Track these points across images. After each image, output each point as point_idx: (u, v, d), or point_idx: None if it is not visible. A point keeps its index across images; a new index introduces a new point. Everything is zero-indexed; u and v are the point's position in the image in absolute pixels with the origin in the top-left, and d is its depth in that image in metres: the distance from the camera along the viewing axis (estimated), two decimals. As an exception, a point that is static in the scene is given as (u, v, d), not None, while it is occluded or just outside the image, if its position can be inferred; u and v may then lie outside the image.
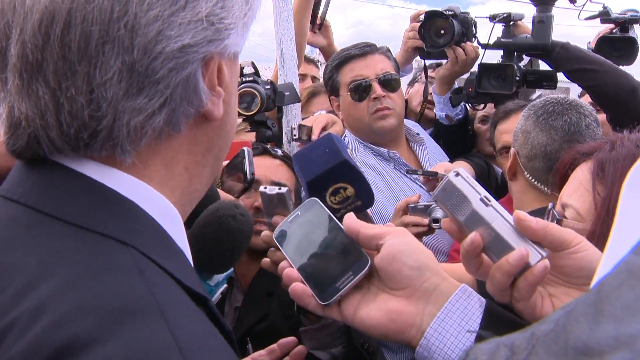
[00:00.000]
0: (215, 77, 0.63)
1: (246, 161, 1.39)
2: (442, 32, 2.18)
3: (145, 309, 0.50)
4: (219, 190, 1.31)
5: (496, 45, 2.14)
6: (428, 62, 2.53)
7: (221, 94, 0.64)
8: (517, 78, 2.09)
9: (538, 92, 2.49)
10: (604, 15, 2.31)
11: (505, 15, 2.14)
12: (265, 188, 1.08)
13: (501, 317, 0.70)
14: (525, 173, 1.67)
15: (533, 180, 1.66)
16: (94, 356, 0.46)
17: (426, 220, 1.70)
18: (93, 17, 0.54)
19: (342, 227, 0.77)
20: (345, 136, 2.15)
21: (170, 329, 0.50)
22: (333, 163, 1.00)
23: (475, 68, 2.23)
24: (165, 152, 0.62)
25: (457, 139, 2.40)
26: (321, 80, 2.71)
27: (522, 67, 2.18)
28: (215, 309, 0.62)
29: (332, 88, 2.16)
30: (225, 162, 1.45)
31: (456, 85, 2.39)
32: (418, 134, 2.22)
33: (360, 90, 2.05)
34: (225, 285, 1.12)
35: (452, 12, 2.17)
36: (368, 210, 1.12)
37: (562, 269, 0.72)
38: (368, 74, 2.05)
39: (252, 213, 1.39)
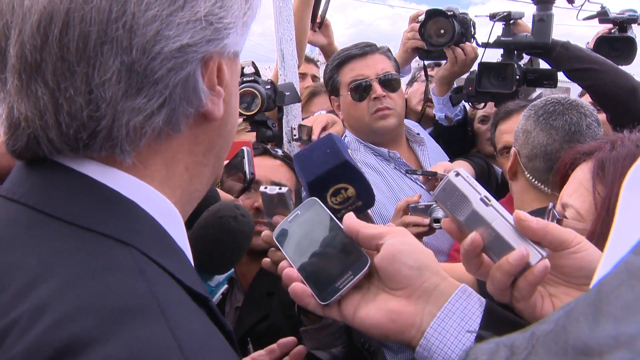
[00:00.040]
0: (215, 77, 0.63)
1: (245, 161, 1.39)
2: (442, 32, 2.18)
3: (146, 308, 0.51)
4: (218, 190, 1.31)
5: (496, 44, 2.14)
6: (427, 63, 2.52)
7: (221, 93, 0.64)
8: (518, 77, 2.09)
9: (538, 90, 2.49)
10: (602, 15, 2.32)
11: (505, 13, 2.14)
12: (266, 188, 1.08)
13: (501, 317, 0.70)
14: (526, 173, 1.67)
15: (533, 180, 1.66)
16: (94, 356, 0.46)
17: (427, 220, 1.70)
18: (91, 17, 0.54)
19: (342, 226, 0.77)
20: (346, 136, 2.15)
21: (171, 328, 0.50)
22: (334, 163, 1.00)
23: (475, 67, 2.23)
24: (166, 152, 0.62)
25: (457, 140, 2.40)
26: (321, 79, 2.71)
27: (522, 65, 2.18)
28: (216, 309, 0.62)
29: (332, 88, 2.16)
30: (225, 162, 1.45)
31: (455, 85, 2.39)
32: (418, 133, 2.22)
33: (361, 90, 2.05)
34: (226, 286, 1.12)
35: (452, 13, 2.17)
36: (368, 210, 1.12)
37: (562, 268, 0.72)
38: (368, 74, 2.05)
39: (252, 214, 1.39)
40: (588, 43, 2.44)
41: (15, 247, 0.55)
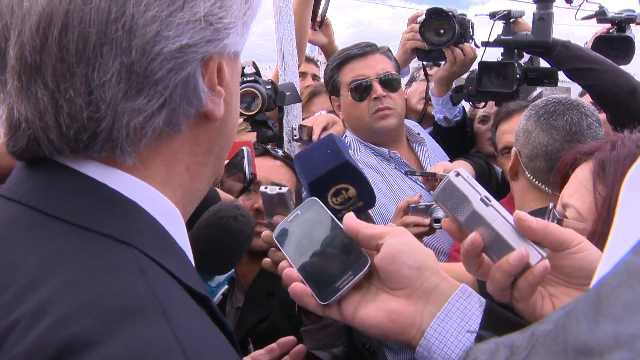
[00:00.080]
0: (215, 77, 0.63)
1: (245, 161, 1.39)
2: (442, 31, 2.19)
3: (147, 308, 0.51)
4: (218, 190, 1.31)
5: (496, 43, 2.14)
6: (426, 63, 2.53)
7: (222, 93, 0.64)
8: (518, 76, 2.09)
9: (539, 89, 2.49)
10: (601, 15, 2.32)
11: (505, 12, 2.14)
12: (266, 188, 1.08)
13: (501, 317, 0.70)
14: (527, 173, 1.67)
15: (534, 180, 1.66)
16: (96, 356, 0.46)
17: (427, 221, 1.70)
18: (90, 18, 0.54)
19: (342, 226, 0.77)
20: (346, 136, 2.15)
21: (173, 328, 0.50)
22: (334, 164, 1.00)
23: (475, 66, 2.23)
24: (166, 152, 0.62)
25: (456, 140, 2.40)
26: (322, 78, 2.71)
27: (522, 64, 2.18)
28: (217, 309, 0.62)
29: (332, 88, 2.16)
30: (225, 162, 1.45)
31: (455, 85, 2.39)
32: (419, 133, 2.22)
33: (361, 90, 2.05)
34: (226, 286, 1.12)
35: (451, 13, 2.18)
36: (369, 210, 1.12)
37: (562, 269, 0.72)
38: (369, 74, 2.05)
39: (252, 215, 1.39)
40: (586, 43, 2.44)
41: (16, 247, 0.56)
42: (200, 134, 0.65)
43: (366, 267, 0.74)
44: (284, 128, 2.08)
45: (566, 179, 1.14)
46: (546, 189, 1.63)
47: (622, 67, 2.09)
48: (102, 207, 0.58)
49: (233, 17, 0.62)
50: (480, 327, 0.68)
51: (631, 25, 2.34)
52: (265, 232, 1.09)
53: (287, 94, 1.99)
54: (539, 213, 1.16)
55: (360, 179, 1.02)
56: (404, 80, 2.66)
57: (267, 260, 1.09)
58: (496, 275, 0.71)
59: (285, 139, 2.08)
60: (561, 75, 2.12)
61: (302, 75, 2.89)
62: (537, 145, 1.62)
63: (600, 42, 2.29)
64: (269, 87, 1.94)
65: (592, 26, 2.48)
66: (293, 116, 2.10)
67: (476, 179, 0.76)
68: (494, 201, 0.73)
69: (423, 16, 2.26)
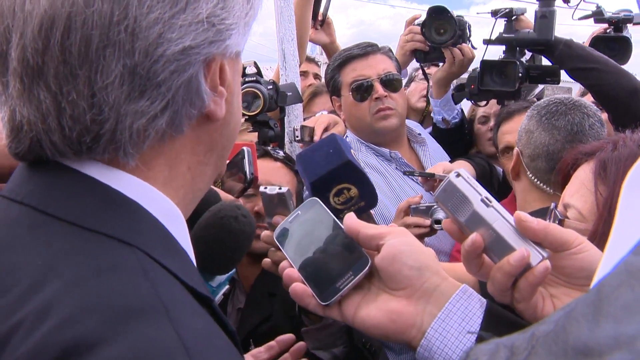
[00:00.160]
0: (217, 78, 0.63)
1: (246, 161, 1.39)
2: (442, 31, 2.20)
3: (150, 308, 0.51)
4: (219, 190, 1.31)
5: (498, 41, 2.13)
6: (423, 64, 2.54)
7: (223, 93, 0.64)
8: (520, 74, 2.09)
9: (540, 86, 2.49)
10: (598, 15, 2.31)
11: (507, 10, 2.13)
12: (266, 188, 1.08)
13: (502, 318, 0.70)
14: (528, 173, 1.67)
15: (536, 180, 1.65)
16: (100, 356, 0.46)
17: (428, 222, 1.70)
18: (93, 21, 0.54)
19: (343, 227, 0.77)
20: (347, 136, 2.15)
21: (176, 328, 0.50)
22: (336, 164, 1.00)
23: (477, 65, 2.23)
24: (169, 152, 0.63)
25: (454, 142, 2.40)
26: (323, 78, 2.71)
27: (524, 62, 2.17)
28: (219, 309, 0.62)
29: (333, 88, 2.16)
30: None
31: (456, 85, 2.39)
32: (420, 134, 2.22)
33: (362, 91, 2.05)
34: (227, 286, 1.12)
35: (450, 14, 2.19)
36: (370, 211, 1.12)
37: (563, 269, 0.72)
38: (370, 74, 2.05)
39: (252, 217, 1.39)
40: (583, 43, 2.44)
41: (19, 248, 0.56)
42: (202, 134, 0.65)
43: (367, 268, 0.74)
44: (286, 128, 2.08)
45: (567, 179, 1.14)
46: (548, 189, 1.63)
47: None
48: (104, 208, 0.58)
49: (235, 18, 0.62)
50: (481, 328, 0.68)
51: (628, 25, 2.34)
52: (265, 232, 1.09)
53: (288, 94, 1.99)
54: (541, 213, 1.16)
55: (362, 179, 1.02)
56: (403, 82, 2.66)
57: (267, 260, 1.09)
58: (497, 276, 0.71)
59: (287, 140, 2.08)
60: (563, 75, 2.11)
61: (304, 74, 2.89)
62: (538, 145, 1.62)
63: (597, 42, 2.28)
64: (271, 87, 1.94)
65: (594, 26, 2.48)
66: (294, 116, 2.10)
67: (477, 180, 0.76)
68: (494, 202, 0.73)
69: (422, 17, 2.26)
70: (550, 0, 2.05)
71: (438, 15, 2.20)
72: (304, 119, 2.19)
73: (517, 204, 1.77)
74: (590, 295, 0.35)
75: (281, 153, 1.80)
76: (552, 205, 1.15)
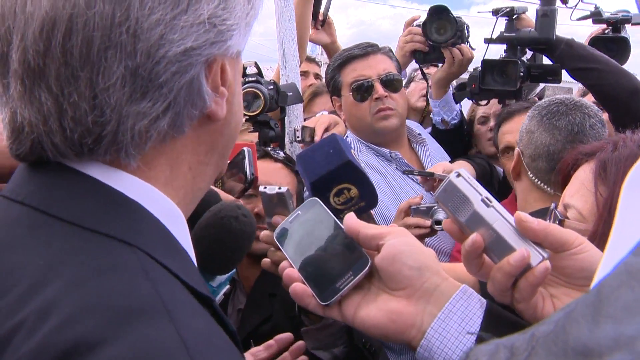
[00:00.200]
0: (218, 78, 0.63)
1: (246, 161, 1.39)
2: (442, 31, 2.21)
3: (151, 309, 0.51)
4: (219, 191, 1.31)
5: (499, 40, 2.13)
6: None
7: (225, 94, 0.64)
8: (522, 73, 2.09)
9: (541, 85, 2.49)
10: (596, 16, 2.31)
11: (508, 9, 2.14)
12: (265, 188, 1.08)
13: (502, 318, 0.70)
14: (529, 173, 1.67)
15: (536, 180, 1.66)
16: (102, 356, 0.46)
17: (428, 222, 1.70)
18: (94, 22, 0.54)
19: (343, 227, 0.77)
20: (347, 137, 2.15)
21: (177, 328, 0.50)
22: (337, 164, 1.00)
23: (478, 65, 2.23)
24: (170, 153, 0.63)
25: (453, 142, 2.40)
26: (324, 78, 2.71)
27: (525, 61, 2.17)
28: (220, 309, 0.62)
29: (333, 88, 2.16)
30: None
31: (456, 84, 2.40)
32: (420, 134, 2.22)
33: (362, 91, 2.05)
34: (228, 286, 1.12)
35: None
36: (371, 211, 1.12)
37: (563, 270, 0.72)
38: (370, 74, 2.05)
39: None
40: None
41: (19, 248, 0.56)
42: (203, 134, 0.65)
43: (367, 268, 0.74)
44: (286, 128, 2.08)
45: (568, 180, 1.14)
46: (548, 189, 1.63)
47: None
48: (105, 208, 0.58)
49: (236, 19, 0.62)
50: (481, 328, 0.68)
51: (626, 25, 2.34)
52: (264, 232, 1.09)
53: (289, 94, 1.99)
54: (541, 213, 1.16)
55: (363, 179, 1.02)
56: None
57: (266, 260, 1.09)
58: (497, 276, 0.71)
59: (287, 140, 2.08)
60: (563, 75, 2.11)
61: (304, 74, 2.89)
62: (539, 146, 1.62)
63: (595, 43, 2.28)
64: (271, 87, 1.94)
65: (593, 26, 2.48)
66: (294, 116, 2.10)
67: (477, 180, 0.76)
68: (494, 202, 0.73)
69: (421, 19, 2.27)
70: (551, -1, 2.05)
71: (439, 14, 2.21)
72: (305, 119, 2.19)
73: (517, 204, 1.77)
74: (590, 296, 0.35)
75: (281, 154, 1.80)
76: (552, 205, 1.15)
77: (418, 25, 2.31)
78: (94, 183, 0.59)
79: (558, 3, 2.08)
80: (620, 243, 0.41)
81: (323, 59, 3.51)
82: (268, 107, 1.90)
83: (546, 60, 2.18)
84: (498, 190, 2.22)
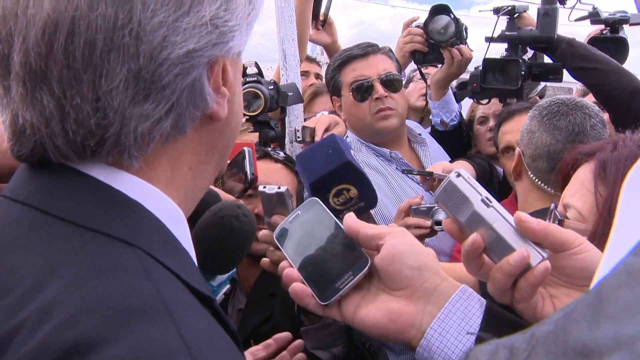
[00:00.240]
0: (220, 79, 0.63)
1: (247, 161, 1.39)
2: (442, 31, 2.21)
3: (152, 309, 0.51)
4: (219, 191, 1.31)
5: (500, 38, 2.13)
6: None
7: (226, 94, 0.64)
8: (523, 72, 2.08)
9: (542, 83, 2.49)
10: (594, 16, 2.31)
11: (509, 7, 2.14)
12: (265, 187, 1.08)
13: (502, 318, 0.70)
14: (529, 173, 1.67)
15: (537, 180, 1.66)
16: (102, 356, 0.46)
17: (428, 223, 1.70)
18: (97, 25, 0.53)
19: (343, 227, 0.77)
20: (347, 137, 2.15)
21: (178, 328, 0.50)
22: (336, 164, 1.00)
23: (479, 64, 2.24)
24: (171, 153, 0.63)
25: (452, 143, 2.41)
26: (324, 78, 2.71)
27: (526, 60, 2.17)
28: (220, 309, 0.62)
29: (334, 88, 2.17)
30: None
31: (453, 87, 2.40)
32: (420, 134, 2.22)
33: (362, 91, 2.05)
34: (228, 286, 1.12)
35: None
36: (371, 211, 1.12)
37: (563, 270, 0.72)
38: (370, 74, 2.05)
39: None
40: None
41: (20, 248, 0.56)
42: (205, 134, 0.65)
43: (366, 268, 0.74)
44: (286, 128, 2.08)
45: (567, 180, 1.14)
46: (549, 189, 1.63)
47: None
48: (106, 208, 0.58)
49: (238, 19, 0.62)
50: (481, 328, 0.68)
51: (624, 26, 2.34)
52: (263, 231, 1.08)
53: (289, 94, 1.99)
54: (541, 213, 1.16)
55: (362, 180, 1.02)
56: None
57: (265, 259, 1.09)
58: (497, 276, 0.71)
59: (287, 140, 2.08)
60: (564, 75, 2.11)
61: (305, 74, 2.89)
62: (539, 146, 1.62)
63: (593, 43, 2.28)
64: (272, 87, 1.94)
65: (592, 27, 2.48)
66: (295, 116, 2.10)
67: (477, 180, 0.76)
68: (494, 202, 0.73)
69: (420, 20, 2.28)
70: (552, -2, 2.05)
71: (441, 13, 2.21)
72: (305, 119, 2.19)
73: (518, 204, 1.77)
74: (590, 296, 0.35)
75: (281, 154, 1.80)
76: (552, 205, 1.15)
77: (417, 26, 2.32)
78: (95, 183, 0.59)
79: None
80: (620, 243, 0.41)
81: (323, 59, 3.51)
82: (268, 107, 1.90)
83: (547, 60, 2.18)
84: (498, 190, 2.22)
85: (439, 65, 2.35)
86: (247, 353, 1.25)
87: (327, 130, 2.01)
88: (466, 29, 2.29)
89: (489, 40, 2.14)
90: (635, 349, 0.30)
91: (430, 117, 2.46)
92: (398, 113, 2.07)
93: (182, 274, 0.58)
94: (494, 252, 0.72)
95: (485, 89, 2.16)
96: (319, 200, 0.82)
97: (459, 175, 0.74)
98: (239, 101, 0.70)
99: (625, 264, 0.35)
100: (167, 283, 0.55)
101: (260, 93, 1.86)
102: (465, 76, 2.36)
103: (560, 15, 2.05)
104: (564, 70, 2.04)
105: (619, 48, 2.29)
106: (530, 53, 2.25)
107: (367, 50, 2.09)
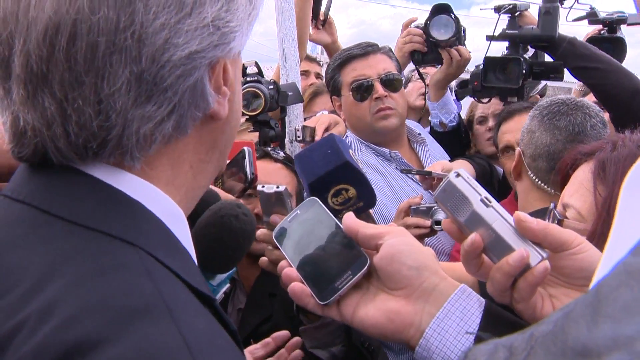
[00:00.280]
0: (221, 79, 0.63)
1: (246, 161, 1.39)
2: (442, 31, 2.22)
3: (153, 308, 0.51)
4: (219, 190, 1.31)
5: (501, 37, 2.13)
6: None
7: (227, 93, 0.65)
8: (524, 71, 2.08)
9: (543, 82, 2.49)
10: (592, 17, 2.31)
11: (510, 6, 2.14)
12: (263, 186, 1.08)
13: (501, 318, 0.70)
14: (530, 173, 1.67)
15: (537, 180, 1.66)
16: (103, 356, 0.46)
17: (428, 222, 1.70)
18: (99, 27, 0.53)
19: (342, 226, 0.77)
20: (347, 136, 2.15)
21: (179, 328, 0.50)
22: (335, 164, 1.00)
23: (479, 63, 2.24)
24: (172, 153, 0.63)
25: (451, 144, 2.41)
26: (324, 78, 2.71)
27: (527, 58, 2.17)
28: (221, 309, 0.62)
29: (333, 88, 2.17)
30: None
31: (451, 87, 2.40)
32: (419, 134, 2.22)
33: (362, 90, 2.05)
34: (228, 285, 1.12)
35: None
36: (370, 211, 1.12)
37: (562, 269, 0.72)
38: (370, 74, 2.05)
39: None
40: None
41: (20, 248, 0.56)
42: (205, 133, 0.66)
43: (365, 267, 0.74)
44: (286, 128, 2.08)
45: (567, 179, 1.14)
46: (549, 189, 1.63)
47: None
48: (107, 208, 0.58)
49: (239, 20, 0.62)
50: (480, 328, 0.68)
51: (622, 26, 2.34)
52: (261, 231, 1.08)
53: (289, 93, 1.99)
54: (541, 213, 1.16)
55: (361, 180, 1.02)
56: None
57: (264, 259, 1.09)
58: (496, 276, 0.71)
59: (287, 140, 2.08)
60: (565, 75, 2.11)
61: (305, 73, 2.89)
62: (539, 145, 1.62)
63: (591, 43, 2.29)
64: (272, 87, 1.94)
65: (590, 27, 2.48)
66: (295, 116, 2.10)
67: (477, 180, 0.76)
68: (494, 202, 0.73)
69: (419, 20, 2.29)
70: (553, -3, 2.05)
71: (441, 14, 2.21)
72: (305, 119, 2.19)
73: (518, 204, 1.77)
74: (589, 296, 0.35)
75: (281, 154, 1.80)
76: (552, 205, 1.15)
77: (416, 27, 2.32)
78: (96, 183, 0.59)
79: (555, 3, 2.09)
80: (619, 243, 0.41)
81: (323, 58, 3.51)
82: (268, 107, 1.90)
83: (548, 58, 2.18)
84: (498, 190, 2.22)
85: (438, 66, 2.35)
86: (245, 351, 1.25)
87: (327, 129, 2.01)
88: (465, 30, 2.30)
89: (490, 38, 2.14)
90: (634, 349, 0.30)
91: (429, 118, 2.46)
92: (398, 113, 2.07)
93: (182, 273, 0.58)
94: (493, 252, 0.72)
95: (486, 87, 2.16)
96: (318, 200, 0.82)
97: (458, 175, 0.74)
98: (238, 99, 0.71)
99: (624, 264, 0.35)
100: (167, 283, 0.55)
101: (260, 92, 1.86)
102: (465, 76, 2.36)
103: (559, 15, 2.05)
104: (565, 70, 2.04)
105: (617, 48, 2.29)
106: (531, 52, 2.24)
107: (367, 50, 2.09)
